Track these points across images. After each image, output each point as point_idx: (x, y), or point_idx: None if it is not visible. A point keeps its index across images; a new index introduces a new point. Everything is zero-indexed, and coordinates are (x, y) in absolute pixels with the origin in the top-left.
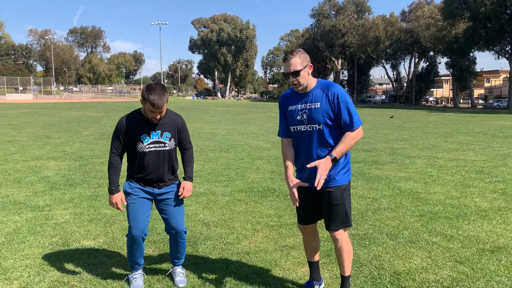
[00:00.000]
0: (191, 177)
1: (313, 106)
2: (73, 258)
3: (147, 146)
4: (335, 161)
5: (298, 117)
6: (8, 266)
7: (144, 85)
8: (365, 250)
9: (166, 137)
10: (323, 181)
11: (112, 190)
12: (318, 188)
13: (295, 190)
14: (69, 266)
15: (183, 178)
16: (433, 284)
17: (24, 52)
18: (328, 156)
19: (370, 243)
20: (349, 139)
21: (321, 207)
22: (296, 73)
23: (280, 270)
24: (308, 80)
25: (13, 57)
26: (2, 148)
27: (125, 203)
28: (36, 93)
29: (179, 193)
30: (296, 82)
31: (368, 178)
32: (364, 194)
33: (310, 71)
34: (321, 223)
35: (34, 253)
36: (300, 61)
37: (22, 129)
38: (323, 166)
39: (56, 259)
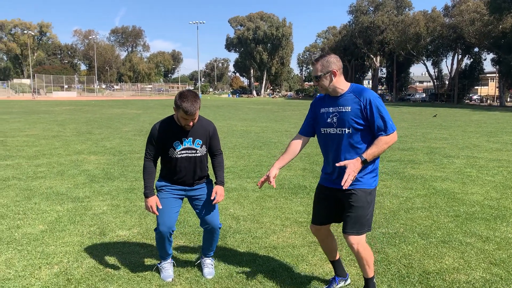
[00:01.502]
0: (223, 181)
1: (343, 110)
2: (108, 247)
3: (179, 152)
4: (365, 163)
5: (329, 120)
6: (50, 252)
7: (177, 93)
8: (395, 249)
9: (198, 143)
10: (350, 181)
11: (147, 194)
12: (344, 188)
13: (265, 177)
14: (105, 254)
15: (215, 183)
16: (464, 285)
17: (69, 52)
18: (358, 158)
19: (400, 242)
20: (382, 143)
21: (340, 210)
22: (316, 78)
23: (307, 265)
24: (332, 85)
25: (59, 56)
26: (48, 143)
27: (160, 207)
28: (80, 91)
29: (212, 198)
30: (319, 86)
31: (402, 177)
32: (397, 193)
33: (334, 77)
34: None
35: (73, 240)
36: (320, 68)
37: (66, 125)
38: (352, 166)
39: (93, 247)
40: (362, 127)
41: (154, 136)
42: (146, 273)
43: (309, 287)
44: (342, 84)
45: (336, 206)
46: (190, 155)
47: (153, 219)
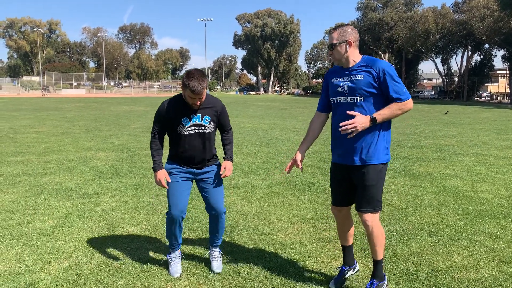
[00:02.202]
0: (232, 156)
1: (355, 78)
2: (117, 242)
3: (188, 129)
4: (373, 121)
5: (339, 88)
6: (59, 247)
7: (184, 72)
8: (403, 246)
9: (206, 120)
10: (351, 131)
11: (155, 168)
12: (341, 132)
13: (291, 161)
14: (113, 250)
15: (224, 158)
16: (473, 282)
17: (78, 49)
18: (368, 115)
19: (408, 239)
20: (395, 107)
21: (354, 187)
22: (331, 46)
23: (314, 262)
24: (346, 55)
25: (68, 54)
26: (57, 140)
27: (169, 180)
28: (89, 88)
29: (220, 172)
30: (331, 55)
31: (411, 174)
32: (405, 191)
33: (349, 47)
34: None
35: (82, 236)
36: (337, 36)
37: (75, 122)
38: (359, 119)
39: (101, 242)
40: (373, 95)
41: (162, 113)
42: (154, 268)
43: (317, 284)
44: (355, 56)
45: (349, 184)
46: (198, 131)
47: (161, 215)
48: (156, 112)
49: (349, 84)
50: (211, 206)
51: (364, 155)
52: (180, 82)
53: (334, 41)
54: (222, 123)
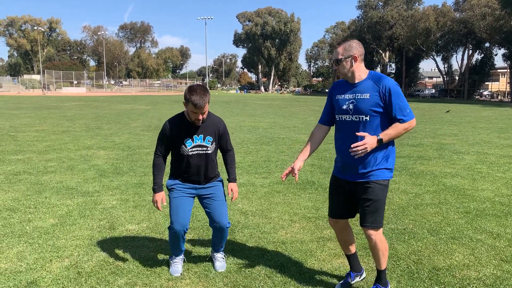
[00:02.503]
0: (235, 178)
1: (361, 97)
2: (118, 241)
3: (190, 150)
4: (380, 142)
5: (344, 107)
6: (61, 245)
7: (186, 88)
8: (404, 245)
9: (208, 141)
10: (360, 152)
11: (155, 190)
12: (351, 153)
13: (289, 168)
14: (115, 248)
15: (228, 180)
16: (474, 281)
17: (78, 48)
18: (375, 135)
19: (409, 238)
20: (401, 128)
21: (355, 203)
22: (337, 61)
23: (315, 260)
24: (352, 70)
25: (68, 52)
26: (58, 138)
27: (165, 203)
28: (89, 87)
29: (230, 196)
30: (337, 70)
31: (412, 173)
32: (406, 189)
33: (355, 62)
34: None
35: (84, 234)
36: (342, 51)
37: (76, 121)
38: (369, 140)
39: (103, 240)
40: (379, 114)
41: (165, 133)
42: (155, 266)
43: (318, 282)
44: (361, 71)
45: (349, 199)
46: (201, 152)
47: (162, 214)
48: (160, 132)
49: (355, 103)
50: (215, 221)
51: (369, 172)
52: (180, 81)
53: (340, 57)
54: (223, 144)
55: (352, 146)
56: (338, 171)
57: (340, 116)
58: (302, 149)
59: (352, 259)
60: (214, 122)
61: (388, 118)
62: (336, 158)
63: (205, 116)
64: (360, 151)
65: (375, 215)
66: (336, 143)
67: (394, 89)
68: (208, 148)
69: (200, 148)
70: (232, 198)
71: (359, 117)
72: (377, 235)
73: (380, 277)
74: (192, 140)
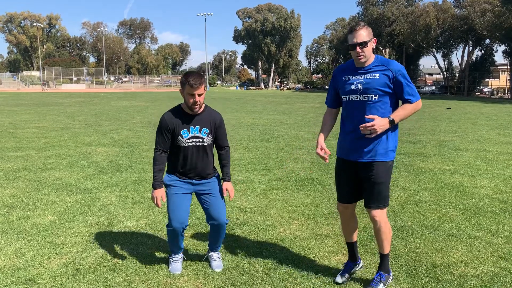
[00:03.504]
0: (229, 177)
1: (370, 77)
2: (116, 238)
3: (186, 141)
4: (392, 123)
5: (353, 87)
6: (59, 242)
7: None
8: (402, 242)
9: (205, 132)
10: (370, 133)
11: (155, 186)
12: (361, 131)
13: (319, 150)
14: (113, 245)
15: (222, 179)
16: (472, 278)
17: (78, 44)
18: (386, 117)
19: (407, 235)
20: (410, 108)
21: (360, 183)
22: (364, 44)
23: (313, 257)
24: (370, 53)
25: (68, 49)
26: (57, 135)
27: (165, 200)
28: (89, 83)
29: (225, 195)
30: (362, 54)
31: (411, 170)
32: (405, 186)
33: (374, 44)
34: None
35: (82, 231)
36: (367, 33)
37: (75, 117)
38: (379, 122)
39: (101, 237)
40: (387, 94)
41: (163, 125)
42: (154, 264)
43: (316, 279)
44: (372, 54)
45: (355, 179)
46: (197, 143)
47: (160, 210)
48: (158, 126)
49: (364, 82)
50: (212, 218)
51: (373, 152)
52: (180, 78)
53: (367, 39)
54: (219, 139)
55: (360, 127)
56: (342, 152)
57: (347, 96)
58: (320, 130)
59: (352, 247)
60: (211, 114)
61: (394, 99)
62: (339, 139)
63: (202, 99)
64: (369, 131)
65: (379, 196)
66: (342, 125)
67: (403, 71)
68: (204, 140)
69: (197, 140)
70: (229, 198)
71: (368, 97)
72: (382, 216)
73: (383, 263)
74: (189, 131)
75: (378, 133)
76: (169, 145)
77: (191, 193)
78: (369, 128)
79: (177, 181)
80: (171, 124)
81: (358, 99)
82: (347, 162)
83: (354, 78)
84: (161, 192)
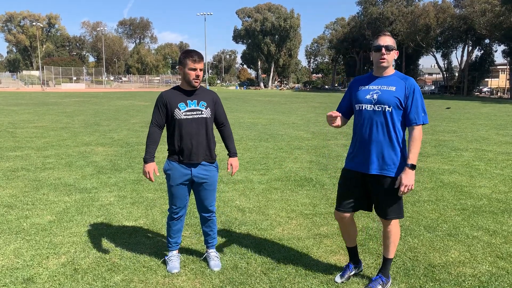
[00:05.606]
0: (235, 152)
1: (387, 88)
2: (115, 237)
3: (184, 113)
4: (414, 168)
5: (368, 96)
6: (58, 242)
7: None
8: (400, 242)
9: (203, 105)
10: (406, 190)
11: (146, 159)
12: (400, 194)
13: (331, 112)
14: (111, 245)
15: (228, 155)
16: (470, 278)
17: (77, 44)
18: (405, 168)
19: (406, 235)
20: (417, 141)
21: (368, 195)
22: (390, 48)
23: (312, 257)
24: (391, 63)
25: (67, 48)
26: (56, 134)
27: (158, 174)
28: (88, 83)
29: (228, 170)
30: (385, 58)
31: None
32: None
33: (395, 56)
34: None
35: (81, 231)
36: (392, 41)
37: (75, 117)
38: (405, 178)
39: (100, 237)
40: (399, 108)
41: (159, 99)
42: (152, 263)
43: (314, 279)
44: (392, 67)
45: (363, 191)
46: (195, 116)
47: (159, 210)
48: (155, 102)
49: (380, 93)
50: (203, 206)
51: (386, 166)
52: (179, 77)
53: (394, 45)
54: (218, 115)
55: (399, 194)
56: (352, 164)
57: (360, 105)
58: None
59: (353, 251)
60: (208, 92)
61: (402, 113)
62: (350, 150)
63: (201, 74)
64: (406, 191)
65: (398, 207)
66: (353, 135)
67: (418, 90)
68: (203, 112)
69: (195, 112)
70: (231, 173)
71: (382, 107)
72: (397, 224)
73: (385, 267)
74: (186, 104)
75: (413, 184)
76: (164, 120)
77: (190, 183)
78: (405, 190)
79: (176, 170)
80: (168, 98)
81: (372, 109)
82: (355, 173)
83: (371, 87)
84: (152, 166)
